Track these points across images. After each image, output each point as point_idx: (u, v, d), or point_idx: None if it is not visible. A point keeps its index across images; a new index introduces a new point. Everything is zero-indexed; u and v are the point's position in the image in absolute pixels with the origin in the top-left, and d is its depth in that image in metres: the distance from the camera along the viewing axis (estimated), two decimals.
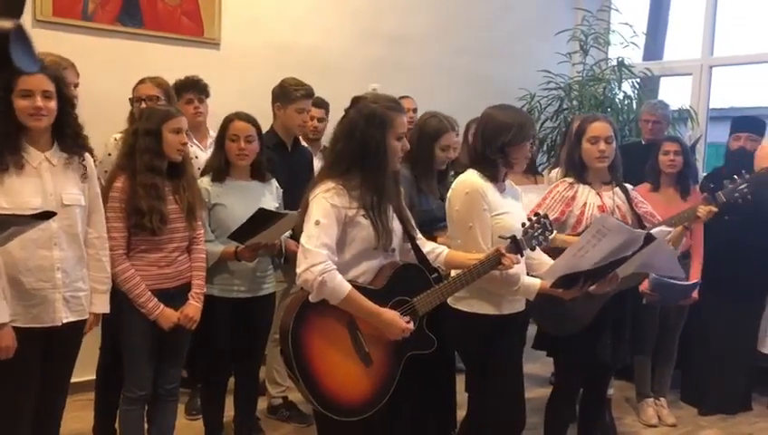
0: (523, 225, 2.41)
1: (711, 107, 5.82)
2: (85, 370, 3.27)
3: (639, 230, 2.46)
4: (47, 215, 2.01)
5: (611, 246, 2.37)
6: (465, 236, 2.55)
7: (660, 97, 6.12)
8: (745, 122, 4.28)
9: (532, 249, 2.45)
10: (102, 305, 2.64)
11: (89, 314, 2.60)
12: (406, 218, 2.41)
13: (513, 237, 2.37)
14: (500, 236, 2.42)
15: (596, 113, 3.16)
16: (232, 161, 3.08)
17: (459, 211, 2.57)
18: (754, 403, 4.33)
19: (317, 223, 2.16)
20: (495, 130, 2.58)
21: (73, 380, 2.76)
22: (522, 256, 2.42)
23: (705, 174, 4.97)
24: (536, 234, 2.42)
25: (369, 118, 2.23)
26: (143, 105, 3.28)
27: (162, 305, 2.78)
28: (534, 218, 2.43)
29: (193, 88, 3.76)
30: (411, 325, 2.26)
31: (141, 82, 3.44)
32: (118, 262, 2.71)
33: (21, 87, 2.33)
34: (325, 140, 3.88)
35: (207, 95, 3.81)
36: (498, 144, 2.55)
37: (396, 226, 2.34)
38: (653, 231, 2.47)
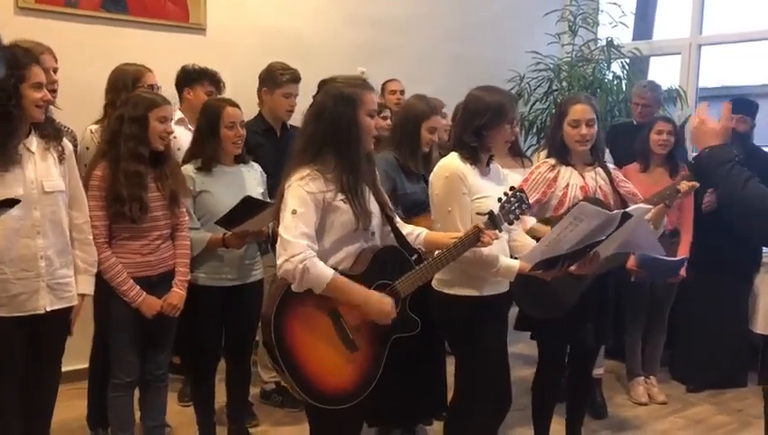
0: (500, 200, 2.39)
1: (702, 86, 5.81)
2: (77, 359, 3.28)
3: (615, 211, 2.46)
4: (11, 202, 2.00)
5: (589, 228, 2.37)
6: (444, 220, 2.55)
7: (650, 77, 6.12)
8: (738, 104, 4.29)
9: (510, 223, 2.43)
10: (89, 286, 2.65)
11: (77, 303, 2.60)
12: (383, 200, 2.38)
13: (491, 213, 2.36)
14: (477, 213, 2.41)
15: (578, 95, 3.13)
16: (227, 149, 3.05)
17: (439, 195, 2.57)
18: (749, 381, 4.35)
19: (294, 212, 2.12)
20: (472, 113, 2.57)
21: (66, 369, 2.77)
22: (500, 231, 2.40)
23: (695, 153, 4.97)
24: (513, 208, 2.40)
25: (337, 97, 2.21)
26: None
27: (144, 294, 2.78)
28: (510, 193, 2.40)
29: (213, 82, 3.74)
30: (394, 310, 2.24)
31: (147, 69, 3.36)
32: (100, 250, 2.71)
33: (34, 80, 2.35)
34: None
35: (221, 93, 3.77)
36: (474, 127, 2.54)
37: (373, 207, 2.31)
38: (631, 208, 2.47)
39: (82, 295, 2.64)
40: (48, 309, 2.48)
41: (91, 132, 3.25)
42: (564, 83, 5.59)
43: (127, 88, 3.24)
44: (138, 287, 2.77)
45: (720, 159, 2.03)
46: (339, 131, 2.19)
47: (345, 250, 2.24)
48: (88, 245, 2.64)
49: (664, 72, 6.39)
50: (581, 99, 3.00)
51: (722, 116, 2.16)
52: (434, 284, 2.61)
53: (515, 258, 2.58)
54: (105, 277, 2.74)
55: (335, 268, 2.19)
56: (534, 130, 5.58)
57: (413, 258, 2.37)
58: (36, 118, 2.40)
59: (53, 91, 2.96)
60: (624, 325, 4.03)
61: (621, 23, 5.70)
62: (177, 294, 2.88)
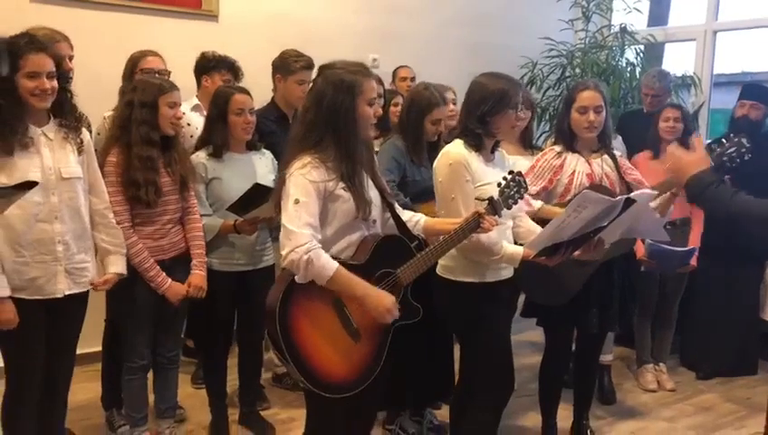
0: (499, 185, 2.39)
1: (720, 72, 5.76)
2: (93, 341, 3.34)
3: (618, 197, 2.46)
4: (29, 185, 2.04)
5: (592, 214, 2.38)
6: (447, 207, 2.55)
7: (665, 63, 6.08)
8: (753, 90, 4.26)
9: (509, 208, 2.43)
10: (121, 266, 2.70)
11: (110, 274, 2.66)
12: (382, 187, 2.38)
13: (491, 198, 2.36)
14: (476, 198, 2.41)
15: (587, 81, 3.11)
16: (236, 135, 3.07)
17: (443, 183, 2.57)
18: (759, 369, 4.36)
19: (296, 202, 2.11)
20: (476, 100, 2.56)
21: (81, 351, 2.82)
22: (500, 216, 2.40)
23: (708, 141, 4.95)
24: (512, 193, 2.40)
25: (337, 84, 2.18)
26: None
27: (170, 280, 2.82)
28: (509, 177, 2.40)
29: (231, 70, 3.77)
30: (396, 310, 2.23)
31: (147, 54, 3.42)
32: (126, 235, 2.74)
33: (29, 69, 2.36)
34: None
35: (239, 81, 3.80)
36: (478, 114, 2.54)
37: (373, 195, 2.31)
38: (635, 194, 2.46)
39: (117, 274, 2.69)
40: (66, 293, 2.52)
41: (104, 118, 3.29)
42: (577, 70, 5.56)
43: (125, 75, 3.32)
44: (164, 274, 2.81)
45: (705, 182, 2.11)
46: (337, 120, 2.17)
47: (347, 239, 2.24)
48: (112, 228, 2.67)
49: (679, 58, 6.34)
50: (590, 85, 2.98)
51: (696, 149, 2.27)
52: (438, 270, 2.62)
53: (520, 244, 2.59)
54: (132, 262, 2.76)
55: (338, 257, 2.19)
56: (547, 116, 5.56)
57: (413, 245, 2.37)
58: (37, 106, 2.41)
59: (69, 79, 2.99)
60: (632, 312, 4.03)
61: (636, 9, 5.65)
62: (200, 275, 2.94)
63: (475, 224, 2.33)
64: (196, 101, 3.82)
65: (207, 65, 3.80)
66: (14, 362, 2.52)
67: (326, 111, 2.18)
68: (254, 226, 3.02)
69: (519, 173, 2.43)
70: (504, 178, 2.40)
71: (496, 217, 2.37)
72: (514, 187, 2.40)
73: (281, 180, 2.22)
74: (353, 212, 2.21)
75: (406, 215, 2.47)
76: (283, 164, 2.25)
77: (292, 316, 2.15)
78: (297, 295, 2.16)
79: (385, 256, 2.28)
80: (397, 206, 2.46)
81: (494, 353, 2.65)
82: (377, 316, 2.21)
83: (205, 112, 3.61)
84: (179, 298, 2.85)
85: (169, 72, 3.44)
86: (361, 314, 2.23)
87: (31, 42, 2.40)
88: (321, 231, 2.18)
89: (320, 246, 2.13)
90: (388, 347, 2.31)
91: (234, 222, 3.02)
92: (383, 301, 2.20)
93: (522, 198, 2.44)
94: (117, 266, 2.68)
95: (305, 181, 2.14)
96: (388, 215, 2.40)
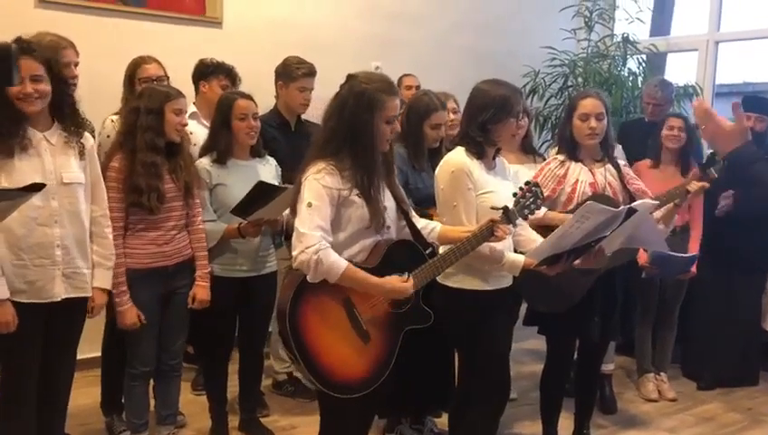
0: (515, 195, 2.41)
1: (721, 83, 5.77)
2: (93, 346, 3.34)
3: (621, 208, 2.47)
4: (37, 187, 2.04)
5: (594, 224, 2.39)
6: (449, 215, 2.57)
7: (667, 73, 6.10)
8: (754, 103, 4.26)
9: (525, 218, 2.45)
10: (105, 281, 2.66)
11: (92, 290, 2.62)
12: (399, 195, 2.41)
13: (506, 208, 2.38)
14: (492, 207, 2.42)
15: (588, 89, 3.13)
16: (240, 141, 3.08)
17: (444, 190, 2.58)
18: (761, 379, 4.35)
19: (309, 205, 2.16)
20: (477, 107, 2.57)
21: (82, 356, 2.81)
22: (514, 226, 2.42)
23: (710, 151, 4.95)
24: (528, 203, 2.42)
25: (359, 97, 2.21)
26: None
27: (130, 304, 2.77)
28: (525, 187, 2.42)
29: (229, 76, 3.79)
30: (411, 282, 2.27)
31: (144, 61, 3.45)
32: (114, 244, 2.71)
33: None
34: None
35: (237, 87, 3.81)
36: (479, 122, 2.55)
37: (389, 203, 2.34)
38: (636, 203, 2.47)
39: (101, 290, 2.65)
40: (63, 297, 2.51)
41: (112, 121, 3.31)
42: (580, 79, 5.57)
43: (124, 82, 3.36)
44: (127, 295, 2.76)
45: (753, 157, 1.95)
46: (355, 133, 2.21)
47: (360, 243, 2.27)
48: (104, 238, 2.66)
49: (681, 68, 6.36)
50: (591, 93, 3.02)
51: (738, 116, 2.09)
52: (438, 277, 2.63)
53: (521, 253, 2.59)
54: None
55: (350, 261, 2.22)
56: (549, 125, 5.57)
57: (427, 252, 2.40)
58: (26, 110, 2.39)
59: (71, 85, 3.00)
60: (634, 322, 4.03)
61: (638, 19, 5.67)
62: (203, 288, 2.95)
63: (488, 232, 2.37)
64: (193, 108, 3.82)
65: (206, 71, 3.81)
66: (11, 363, 2.52)
67: (346, 121, 2.23)
68: (258, 228, 3.02)
69: (536, 184, 2.45)
70: (521, 189, 2.42)
71: (510, 226, 2.39)
72: (531, 197, 2.43)
73: (297, 184, 2.26)
74: (367, 219, 2.24)
75: (421, 223, 2.50)
76: (301, 167, 2.28)
77: (302, 317, 2.18)
78: (307, 296, 2.20)
79: (397, 260, 2.31)
80: (412, 213, 2.48)
81: (493, 361, 2.66)
82: (399, 296, 2.27)
83: (202, 120, 3.64)
84: (126, 325, 2.78)
85: (168, 78, 3.45)
86: (370, 316, 2.26)
87: (23, 47, 2.38)
88: (335, 235, 2.22)
89: (329, 246, 2.16)
90: (398, 349, 2.33)
91: (238, 225, 3.02)
92: (395, 284, 2.25)
93: (538, 208, 2.46)
94: (100, 281, 2.65)
95: (319, 186, 2.18)
96: (404, 222, 2.42)
